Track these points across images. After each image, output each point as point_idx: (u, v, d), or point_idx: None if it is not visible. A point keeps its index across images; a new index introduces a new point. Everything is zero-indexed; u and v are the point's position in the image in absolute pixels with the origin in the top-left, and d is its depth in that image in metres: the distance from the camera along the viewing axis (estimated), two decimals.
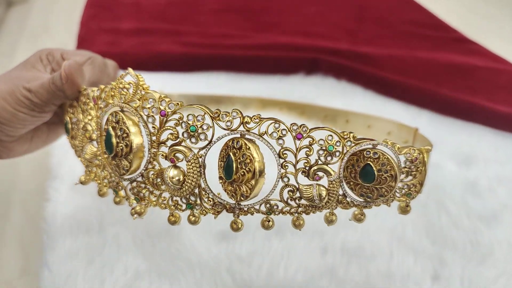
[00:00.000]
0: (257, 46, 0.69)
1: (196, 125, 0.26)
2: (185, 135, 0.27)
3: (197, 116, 0.26)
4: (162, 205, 0.30)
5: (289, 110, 0.55)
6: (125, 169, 0.29)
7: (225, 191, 0.28)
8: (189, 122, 0.26)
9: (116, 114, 0.28)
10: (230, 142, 0.27)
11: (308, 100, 0.59)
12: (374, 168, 0.26)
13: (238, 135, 0.26)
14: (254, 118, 0.25)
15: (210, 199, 0.29)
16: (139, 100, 0.27)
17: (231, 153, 0.27)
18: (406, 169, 0.27)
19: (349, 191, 0.28)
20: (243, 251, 0.43)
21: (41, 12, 1.00)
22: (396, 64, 0.65)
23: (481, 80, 0.63)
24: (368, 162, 0.26)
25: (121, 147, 0.28)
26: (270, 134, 0.26)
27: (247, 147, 0.26)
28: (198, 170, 0.27)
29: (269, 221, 0.29)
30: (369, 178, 0.26)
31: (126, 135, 0.28)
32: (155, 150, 0.28)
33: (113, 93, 0.29)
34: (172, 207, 0.30)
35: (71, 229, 0.45)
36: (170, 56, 0.66)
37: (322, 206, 0.27)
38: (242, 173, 0.26)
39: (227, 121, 0.26)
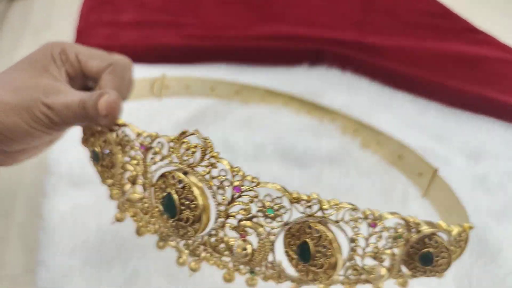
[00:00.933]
0: (259, 37, 0.68)
1: (273, 207, 0.25)
2: (259, 213, 0.25)
3: (274, 199, 0.25)
4: (221, 265, 0.29)
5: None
6: (188, 235, 0.28)
7: (295, 267, 0.28)
8: (265, 202, 0.25)
9: (180, 180, 0.26)
10: (307, 227, 0.26)
11: (311, 92, 0.58)
12: (433, 254, 0.27)
13: (316, 221, 0.25)
14: (332, 205, 0.25)
15: (275, 269, 0.28)
16: (207, 167, 0.26)
17: (307, 240, 0.26)
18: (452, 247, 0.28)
19: (403, 269, 0.28)
20: None
21: (44, 7, 0.99)
22: (404, 55, 0.64)
23: (491, 72, 0.61)
24: (429, 249, 0.27)
25: (186, 216, 0.27)
26: (346, 222, 0.25)
27: (325, 234, 0.25)
28: (270, 247, 0.26)
29: None
30: (428, 263, 0.27)
31: (194, 206, 0.26)
32: (222, 220, 0.26)
33: (172, 151, 0.27)
34: (232, 269, 0.29)
35: (68, 226, 0.44)
36: (171, 48, 0.65)
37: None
38: (320, 260, 0.26)
39: (306, 206, 0.25)
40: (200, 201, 0.26)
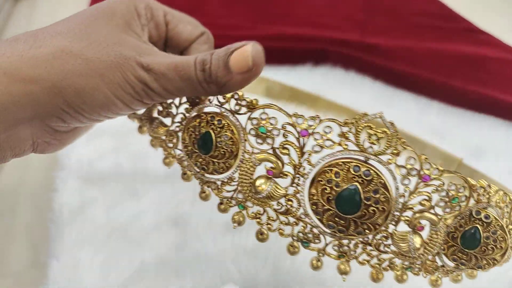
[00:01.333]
0: (264, 37, 0.69)
1: (460, 197, 0.23)
2: (441, 203, 0.24)
3: (457, 186, 0.23)
4: (377, 265, 0.27)
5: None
6: (366, 232, 0.24)
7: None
8: (450, 191, 0.23)
9: (369, 169, 0.23)
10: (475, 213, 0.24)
11: (316, 91, 0.59)
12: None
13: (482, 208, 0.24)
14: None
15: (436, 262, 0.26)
16: (392, 154, 0.23)
17: (478, 226, 0.24)
18: None
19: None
20: (249, 243, 0.43)
21: (49, 6, 1.00)
22: (406, 55, 0.65)
23: (492, 71, 0.62)
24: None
25: (373, 210, 0.23)
26: None
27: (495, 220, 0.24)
28: (443, 239, 0.24)
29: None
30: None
31: (384, 199, 0.23)
32: (398, 214, 0.24)
33: (347, 137, 0.23)
34: (388, 266, 0.26)
35: (77, 219, 0.45)
36: None
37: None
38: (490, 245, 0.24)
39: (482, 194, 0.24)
40: (388, 193, 0.23)
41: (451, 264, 0.26)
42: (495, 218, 0.24)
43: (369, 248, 0.26)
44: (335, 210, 0.24)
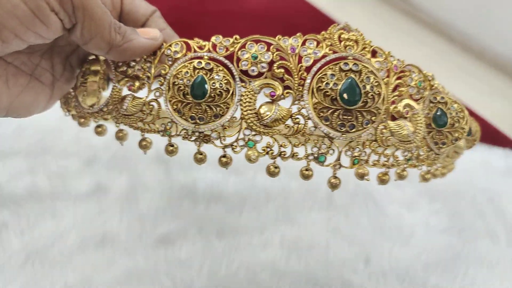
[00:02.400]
0: None
1: (422, 81, 0.28)
2: (412, 90, 0.27)
3: (417, 73, 0.28)
4: (386, 163, 0.28)
5: None
6: (359, 123, 0.26)
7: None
8: (413, 77, 0.27)
9: (355, 63, 0.26)
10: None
11: None
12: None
13: None
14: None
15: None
16: (365, 51, 0.26)
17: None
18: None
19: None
20: (182, 254, 0.43)
21: None
22: None
23: None
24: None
25: (372, 96, 0.25)
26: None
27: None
28: (424, 122, 0.28)
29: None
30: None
31: (378, 92, 0.26)
32: (387, 106, 0.26)
33: (329, 42, 0.26)
34: (394, 162, 0.28)
35: None
36: None
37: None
38: None
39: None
40: (377, 77, 0.26)
41: (436, 149, 0.29)
42: (448, 97, 0.29)
43: (375, 144, 0.27)
44: (342, 106, 0.25)
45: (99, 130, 0.31)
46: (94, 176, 0.48)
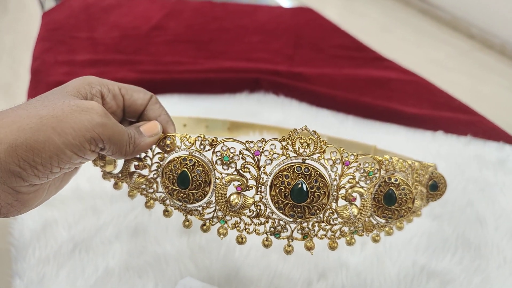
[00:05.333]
0: (206, 70, 0.77)
1: (373, 171, 0.32)
2: (362, 178, 0.32)
3: (369, 163, 0.32)
4: (332, 237, 0.34)
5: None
6: (313, 213, 0.31)
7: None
8: (365, 168, 0.32)
9: (307, 169, 0.31)
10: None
11: (252, 113, 0.68)
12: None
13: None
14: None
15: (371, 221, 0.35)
16: (320, 153, 0.31)
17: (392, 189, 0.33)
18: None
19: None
20: (203, 241, 0.50)
21: None
22: (326, 80, 0.76)
23: (395, 90, 0.75)
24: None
25: (317, 195, 0.31)
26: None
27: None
28: (371, 203, 0.33)
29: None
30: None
31: (323, 185, 0.31)
32: (335, 193, 0.32)
33: (286, 147, 0.31)
34: (340, 235, 0.34)
35: (40, 240, 0.49)
36: (126, 82, 0.72)
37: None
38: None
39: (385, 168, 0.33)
40: (324, 180, 0.31)
41: (382, 220, 0.34)
42: (401, 179, 0.33)
43: (323, 224, 0.33)
44: (292, 202, 0.31)
45: (116, 187, 0.37)
46: None
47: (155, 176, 0.35)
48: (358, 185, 0.32)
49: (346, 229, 0.34)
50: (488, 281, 0.47)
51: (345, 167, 0.32)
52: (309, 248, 0.34)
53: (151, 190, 0.35)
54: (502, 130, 0.69)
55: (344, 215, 0.32)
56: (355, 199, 0.32)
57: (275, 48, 0.90)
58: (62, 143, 0.26)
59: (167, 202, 0.35)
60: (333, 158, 0.31)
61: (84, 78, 0.32)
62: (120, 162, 0.37)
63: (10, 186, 0.26)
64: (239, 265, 0.47)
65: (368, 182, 0.33)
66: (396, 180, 0.33)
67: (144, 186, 0.35)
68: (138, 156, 0.35)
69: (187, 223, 0.35)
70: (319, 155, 0.31)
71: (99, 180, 0.57)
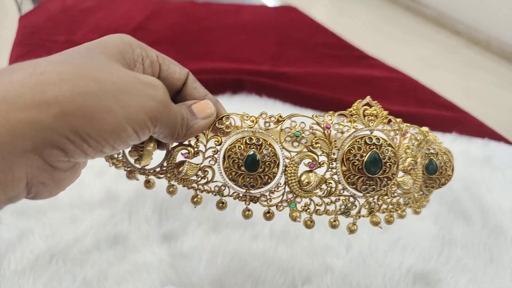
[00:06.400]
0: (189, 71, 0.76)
1: (421, 141, 0.33)
2: (414, 148, 0.33)
3: (417, 133, 0.33)
4: (392, 209, 0.33)
5: None
6: (383, 185, 0.31)
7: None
8: (417, 137, 0.33)
9: (378, 139, 0.30)
10: None
11: None
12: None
13: None
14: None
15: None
16: (384, 124, 0.31)
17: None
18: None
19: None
20: (184, 248, 0.48)
21: None
22: (310, 80, 0.75)
23: (379, 88, 0.74)
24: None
25: (391, 171, 0.30)
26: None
27: None
28: (421, 174, 0.34)
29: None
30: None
31: (393, 154, 0.30)
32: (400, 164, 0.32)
33: (354, 119, 0.30)
34: (396, 209, 0.33)
35: (15, 251, 0.47)
36: None
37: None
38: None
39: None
40: (394, 149, 0.30)
41: (426, 191, 0.35)
42: (438, 149, 0.35)
43: (386, 197, 0.32)
44: (366, 175, 0.30)
45: (149, 185, 0.33)
46: (105, 185, 0.55)
47: (213, 162, 0.31)
48: (412, 155, 0.32)
49: (402, 200, 0.33)
50: (476, 280, 0.46)
51: (402, 138, 0.32)
52: (376, 223, 0.32)
53: (203, 181, 0.32)
54: (488, 127, 0.68)
55: (405, 186, 0.32)
56: (412, 169, 0.32)
57: (259, 48, 0.89)
58: (124, 117, 0.22)
59: (225, 191, 0.31)
60: (394, 128, 0.31)
61: (122, 37, 0.27)
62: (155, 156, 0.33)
63: (47, 160, 0.21)
64: (222, 272, 0.46)
65: (418, 152, 0.33)
66: (434, 150, 0.34)
67: (194, 178, 0.31)
68: (185, 142, 0.31)
69: (248, 212, 0.32)
70: (382, 125, 0.31)
71: (77, 187, 0.55)
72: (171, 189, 0.32)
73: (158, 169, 0.32)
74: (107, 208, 0.53)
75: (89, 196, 0.54)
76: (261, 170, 0.30)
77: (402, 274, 0.46)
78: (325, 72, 0.79)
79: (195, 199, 0.32)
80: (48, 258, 0.47)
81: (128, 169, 0.32)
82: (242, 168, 0.30)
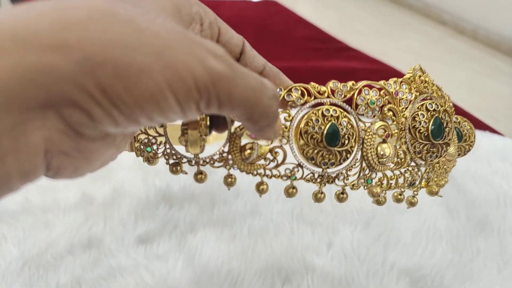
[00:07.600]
0: None
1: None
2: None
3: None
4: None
5: None
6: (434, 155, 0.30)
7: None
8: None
9: (437, 105, 0.30)
10: None
11: None
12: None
13: None
14: None
15: None
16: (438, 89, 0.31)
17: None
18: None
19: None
20: (159, 250, 0.47)
21: None
22: (290, 73, 0.74)
23: (361, 79, 0.73)
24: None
25: (447, 131, 0.30)
26: None
27: None
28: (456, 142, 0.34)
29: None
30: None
31: (449, 119, 0.30)
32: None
33: (412, 87, 0.29)
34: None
35: None
36: None
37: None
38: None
39: None
40: (451, 115, 0.30)
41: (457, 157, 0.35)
42: (461, 119, 0.35)
43: (437, 166, 0.31)
44: (431, 141, 0.29)
45: (201, 178, 0.29)
46: (79, 188, 0.53)
47: (284, 141, 0.27)
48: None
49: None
50: (462, 275, 0.45)
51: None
52: (435, 193, 0.32)
53: (272, 164, 0.27)
54: (473, 116, 0.68)
55: (451, 153, 0.31)
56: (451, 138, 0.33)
57: None
58: (166, 81, 0.16)
59: (298, 174, 0.28)
60: (440, 95, 0.31)
61: None
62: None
63: (70, 121, 0.16)
64: (199, 273, 0.44)
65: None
66: (456, 119, 0.35)
67: (262, 162, 0.27)
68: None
69: (320, 195, 0.29)
70: (432, 92, 0.30)
71: (51, 191, 0.53)
72: (229, 180, 0.28)
73: (216, 157, 0.27)
74: (81, 211, 0.51)
75: (63, 199, 0.52)
76: (340, 144, 0.27)
77: (386, 270, 0.45)
78: (306, 66, 0.77)
79: (261, 187, 0.28)
80: (20, 264, 0.46)
81: (174, 161, 0.28)
82: (321, 143, 0.26)
